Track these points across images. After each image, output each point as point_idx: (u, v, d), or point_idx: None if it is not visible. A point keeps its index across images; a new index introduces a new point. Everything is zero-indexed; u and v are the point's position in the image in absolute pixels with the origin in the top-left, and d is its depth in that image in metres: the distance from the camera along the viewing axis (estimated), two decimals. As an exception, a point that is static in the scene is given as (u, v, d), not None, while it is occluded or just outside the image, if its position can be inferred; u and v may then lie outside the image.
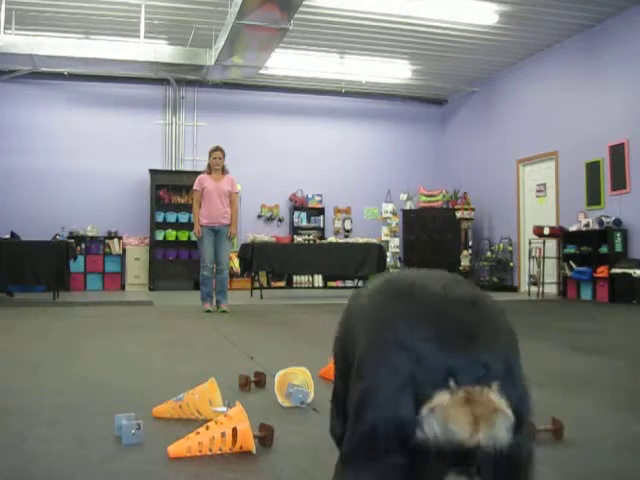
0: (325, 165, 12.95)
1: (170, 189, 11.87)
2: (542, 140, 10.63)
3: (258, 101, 12.72)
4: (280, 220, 12.85)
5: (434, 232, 12.21)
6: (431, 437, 0.93)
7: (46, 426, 2.15)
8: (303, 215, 12.92)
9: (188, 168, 12.01)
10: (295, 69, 11.43)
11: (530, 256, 10.27)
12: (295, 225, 12.81)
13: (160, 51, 9.77)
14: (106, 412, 2.23)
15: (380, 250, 9.63)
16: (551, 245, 10.18)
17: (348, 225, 13.19)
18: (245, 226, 12.00)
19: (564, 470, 1.76)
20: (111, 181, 11.74)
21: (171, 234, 11.73)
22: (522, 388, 1.01)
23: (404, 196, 12.05)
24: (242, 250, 9.22)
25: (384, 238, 10.67)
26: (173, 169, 12.21)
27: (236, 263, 10.03)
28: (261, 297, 9.21)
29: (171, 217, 11.81)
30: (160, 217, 11.73)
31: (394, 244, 10.65)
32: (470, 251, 11.80)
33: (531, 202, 11.15)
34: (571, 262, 9.41)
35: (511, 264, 11.36)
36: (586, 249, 9.12)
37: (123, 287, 11.62)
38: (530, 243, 10.30)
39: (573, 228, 9.51)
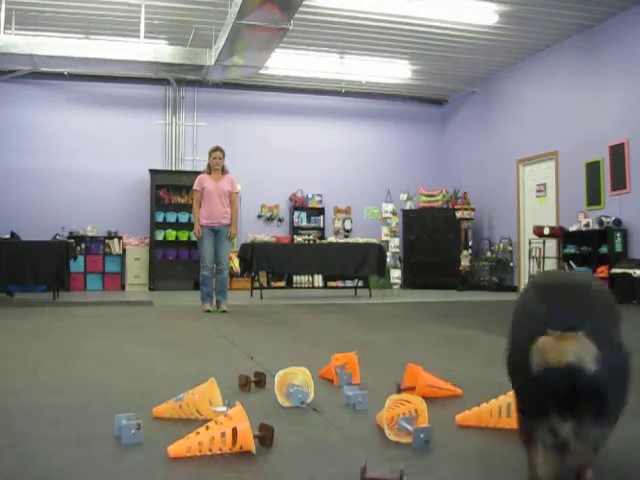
0: (325, 165, 12.96)
1: (170, 189, 11.87)
2: (542, 140, 10.63)
3: (258, 101, 12.72)
4: (280, 220, 12.85)
5: (434, 232, 12.21)
6: (535, 367, 1.39)
7: (46, 426, 2.15)
8: (303, 215, 12.92)
9: (188, 168, 12.02)
10: (295, 69, 11.43)
11: (530, 256, 10.27)
12: (295, 225, 12.81)
13: (160, 51, 9.77)
14: (106, 412, 2.22)
15: (380, 250, 9.63)
16: (551, 245, 10.18)
17: (348, 225, 13.20)
18: (245, 226, 12.00)
19: (567, 471, 1.76)
20: (111, 181, 11.74)
21: (171, 234, 11.74)
22: (608, 341, 1.41)
23: (404, 196, 12.05)
24: (242, 250, 9.22)
25: (384, 238, 10.66)
26: (173, 169, 12.21)
27: (236, 263, 10.03)
28: (261, 297, 9.21)
29: (171, 217, 11.81)
30: (160, 217, 11.73)
31: (394, 244, 10.64)
32: (470, 251, 11.80)
33: (531, 202, 11.16)
34: (571, 262, 9.40)
35: (511, 264, 11.36)
36: (586, 249, 9.12)
37: (123, 287, 11.62)
38: (530, 243, 10.30)
39: (573, 228, 9.51)
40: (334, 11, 9.16)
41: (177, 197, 11.91)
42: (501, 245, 11.57)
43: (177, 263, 11.64)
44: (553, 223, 10.11)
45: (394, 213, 10.80)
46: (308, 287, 12.45)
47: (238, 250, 9.68)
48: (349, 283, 12.22)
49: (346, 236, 12.69)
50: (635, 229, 8.70)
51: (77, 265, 10.57)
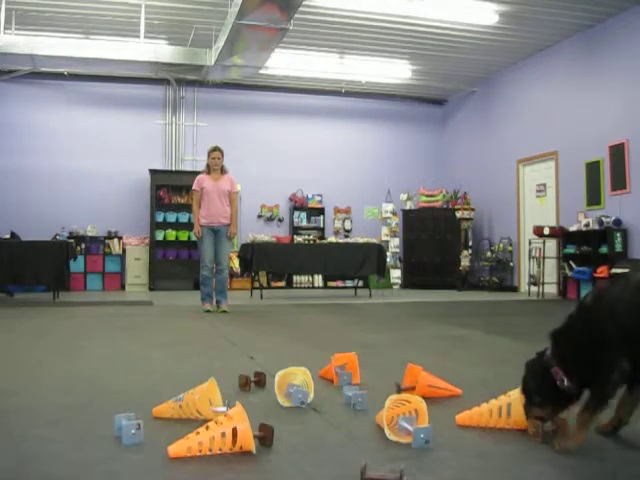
0: (325, 165, 12.96)
1: (170, 189, 11.86)
2: (542, 140, 10.62)
3: (258, 101, 12.72)
4: (280, 220, 12.85)
5: (434, 232, 12.21)
6: None
7: (46, 426, 2.15)
8: (303, 215, 12.92)
9: (188, 168, 12.01)
10: (295, 69, 11.43)
11: (530, 256, 10.26)
12: (295, 225, 12.81)
13: (160, 51, 9.76)
14: (106, 412, 2.23)
15: (380, 250, 9.63)
16: (551, 245, 10.18)
17: (348, 225, 13.19)
18: (245, 226, 12.00)
19: (567, 471, 1.76)
20: (111, 181, 11.74)
21: (171, 234, 11.73)
22: None
23: (404, 196, 12.05)
24: (242, 250, 9.22)
25: (384, 238, 10.65)
26: (173, 169, 12.21)
27: (236, 263, 10.03)
28: (261, 297, 9.21)
29: (171, 217, 11.81)
30: (160, 217, 11.73)
31: (394, 244, 10.63)
32: (470, 251, 11.79)
33: (531, 202, 11.15)
34: (571, 262, 9.40)
35: (511, 264, 11.36)
36: (586, 249, 9.11)
37: (123, 287, 11.62)
38: (530, 243, 10.30)
39: (573, 228, 9.51)
40: (334, 11, 9.16)
41: (177, 197, 11.90)
42: (501, 245, 11.56)
43: (177, 263, 11.64)
44: (553, 223, 10.11)
45: (394, 213, 10.79)
46: (308, 287, 12.45)
47: (238, 250, 9.68)
48: (349, 283, 12.22)
49: (346, 236, 12.69)
50: (635, 229, 8.69)
51: (77, 265, 10.57)
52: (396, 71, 11.83)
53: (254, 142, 12.49)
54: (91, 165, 11.66)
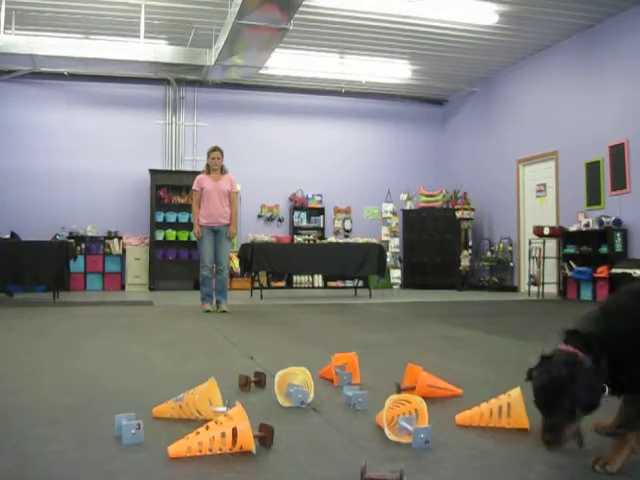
0: (325, 165, 12.96)
1: (170, 189, 11.87)
2: (542, 140, 10.63)
3: (258, 101, 12.72)
4: (280, 220, 12.85)
5: (434, 232, 12.21)
6: None
7: (46, 426, 2.15)
8: (303, 215, 12.92)
9: (188, 168, 12.02)
10: (295, 69, 11.43)
11: (530, 256, 10.27)
12: (295, 225, 12.81)
13: (160, 51, 9.76)
14: (106, 412, 2.23)
15: (380, 250, 9.63)
16: (551, 245, 10.18)
17: (348, 225, 13.20)
18: (245, 226, 12.00)
19: (568, 471, 1.76)
20: (111, 181, 11.74)
21: (171, 234, 11.74)
22: None
23: (404, 196, 12.05)
24: (242, 250, 9.22)
25: (384, 238, 10.66)
26: (173, 169, 12.21)
27: (236, 263, 10.02)
28: (261, 297, 9.21)
29: (171, 217, 11.81)
30: (160, 217, 11.73)
31: (394, 244, 10.63)
32: (470, 251, 11.79)
33: (531, 202, 11.15)
34: (571, 262, 9.40)
35: (511, 264, 11.36)
36: (586, 249, 9.11)
37: (123, 287, 11.62)
38: (530, 243, 10.30)
39: (573, 228, 9.51)
40: (334, 11, 9.16)
41: (177, 197, 11.91)
42: (501, 245, 11.56)
43: (177, 263, 11.64)
44: (553, 223, 10.11)
45: (394, 213, 10.79)
46: (308, 287, 12.45)
47: (238, 250, 9.67)
48: (349, 283, 12.22)
49: (346, 236, 12.70)
50: (635, 229, 8.69)
51: (77, 265, 10.57)
52: (396, 71, 11.83)
53: (254, 142, 12.49)
54: (91, 165, 11.66)
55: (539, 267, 10.18)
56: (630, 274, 8.19)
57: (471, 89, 12.70)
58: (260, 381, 2.78)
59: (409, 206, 12.33)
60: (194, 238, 7.46)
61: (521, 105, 11.30)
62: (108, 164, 11.73)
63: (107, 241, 11.66)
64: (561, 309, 8.15)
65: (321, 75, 11.96)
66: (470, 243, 11.90)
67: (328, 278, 12.46)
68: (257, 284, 9.90)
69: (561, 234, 9.70)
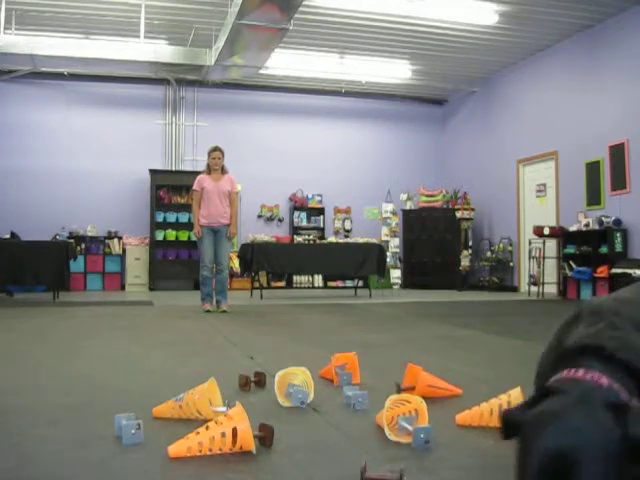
0: (325, 165, 12.95)
1: (170, 189, 11.86)
2: (542, 140, 10.62)
3: (258, 101, 12.72)
4: (280, 220, 12.84)
5: (434, 232, 12.20)
6: None
7: (46, 426, 2.15)
8: (303, 215, 12.91)
9: (188, 168, 12.01)
10: (295, 69, 11.43)
11: (530, 256, 10.26)
12: (295, 225, 12.81)
13: (160, 51, 9.76)
14: (106, 412, 2.23)
15: (380, 250, 9.63)
16: (551, 245, 10.17)
17: (348, 225, 13.19)
18: (245, 226, 12.00)
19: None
20: (111, 181, 11.74)
21: (171, 234, 11.73)
22: None
23: (404, 196, 12.05)
24: (242, 250, 9.22)
25: (384, 238, 10.66)
26: (173, 169, 12.21)
27: (236, 263, 10.02)
28: (261, 297, 9.21)
29: (171, 217, 11.81)
30: (160, 217, 11.73)
31: (394, 244, 10.64)
32: (470, 251, 11.79)
33: (531, 202, 11.15)
34: (571, 262, 9.40)
35: (511, 264, 11.36)
36: (586, 249, 9.11)
37: (123, 287, 11.62)
38: (530, 243, 10.30)
39: (573, 228, 9.51)
40: (334, 11, 9.15)
41: (177, 197, 11.90)
42: (501, 245, 11.56)
43: (177, 263, 11.63)
44: (553, 223, 10.11)
45: (394, 213, 10.79)
46: (308, 287, 12.45)
47: (238, 250, 9.67)
48: (349, 283, 12.22)
49: (346, 236, 12.69)
50: (635, 229, 8.69)
51: (77, 265, 10.56)
52: (396, 71, 11.82)
53: (254, 142, 12.49)
54: (91, 165, 11.66)
55: (539, 267, 10.18)
56: (630, 274, 8.19)
57: (471, 89, 12.69)
58: (260, 381, 2.78)
59: (409, 206, 12.33)
60: (194, 238, 7.46)
61: (521, 105, 11.30)
62: (108, 164, 11.73)
63: (107, 241, 11.66)
64: (561, 309, 8.16)
65: (321, 75, 11.96)
66: (470, 243, 11.90)
67: (328, 278, 12.46)
68: (257, 284, 9.89)
69: (561, 234, 9.69)
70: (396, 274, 10.67)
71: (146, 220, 11.64)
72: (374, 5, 8.86)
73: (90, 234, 11.58)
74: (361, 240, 10.41)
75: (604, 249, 8.78)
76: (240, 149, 11.61)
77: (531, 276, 10.29)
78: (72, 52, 9.37)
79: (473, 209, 11.96)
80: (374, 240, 10.40)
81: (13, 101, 11.45)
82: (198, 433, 1.86)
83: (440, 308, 8.00)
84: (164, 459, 1.80)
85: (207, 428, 1.87)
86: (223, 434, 1.85)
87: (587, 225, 9.17)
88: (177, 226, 11.82)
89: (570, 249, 9.47)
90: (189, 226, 11.14)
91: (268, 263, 9.14)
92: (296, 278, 12.42)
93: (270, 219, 12.78)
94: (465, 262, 11.67)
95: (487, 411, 2.16)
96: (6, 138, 11.33)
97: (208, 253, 7.00)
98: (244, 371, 2.85)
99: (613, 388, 0.97)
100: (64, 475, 1.68)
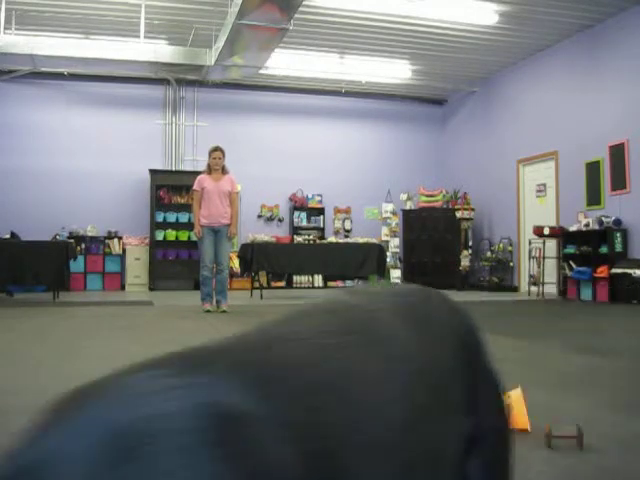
0: (325, 165, 12.95)
1: (170, 189, 11.86)
2: (542, 140, 10.62)
3: (258, 101, 12.71)
4: (280, 220, 12.84)
5: (434, 232, 12.20)
6: None
7: (46, 426, 2.15)
8: (303, 215, 12.91)
9: (188, 168, 12.01)
10: (295, 69, 11.43)
11: (530, 256, 10.26)
12: (295, 225, 12.81)
13: (160, 51, 9.77)
14: (106, 412, 2.22)
15: (380, 250, 9.62)
16: (551, 245, 10.18)
17: (348, 225, 13.19)
18: (245, 226, 12.00)
19: (567, 471, 1.76)
20: (111, 181, 11.74)
21: (171, 234, 11.73)
22: None
23: (404, 196, 12.05)
24: (242, 250, 9.22)
25: (384, 238, 10.67)
26: (173, 169, 12.21)
27: (236, 263, 10.02)
28: (261, 297, 9.21)
29: (171, 217, 11.81)
30: (160, 217, 11.73)
31: (394, 244, 10.65)
32: (470, 251, 11.79)
33: (531, 202, 11.15)
34: (571, 262, 9.40)
35: (511, 264, 11.36)
36: (586, 249, 9.11)
37: (123, 287, 11.62)
38: (530, 243, 10.30)
39: (573, 228, 9.51)
40: (334, 11, 9.16)
41: (177, 197, 11.90)
42: (501, 245, 11.56)
43: (177, 263, 11.63)
44: (553, 223, 10.11)
45: (394, 213, 10.81)
46: (308, 287, 12.44)
47: (238, 250, 9.67)
48: (349, 283, 12.21)
49: (346, 236, 12.69)
50: (635, 229, 8.69)
51: (77, 265, 10.55)
52: (396, 71, 11.82)
53: (254, 142, 12.49)
54: (91, 165, 11.65)
55: (539, 267, 10.18)
56: (630, 274, 8.20)
57: (471, 89, 12.69)
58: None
59: (409, 206, 12.33)
60: (194, 238, 7.46)
61: (521, 105, 11.30)
62: (108, 164, 11.72)
63: (107, 241, 11.66)
64: (561, 309, 8.16)
65: (321, 75, 11.96)
66: (470, 243, 11.90)
67: (328, 278, 12.45)
68: (257, 284, 9.89)
69: (561, 234, 9.70)
70: (396, 274, 10.68)
71: (146, 220, 11.64)
72: (374, 5, 8.86)
73: (90, 234, 11.58)
74: (361, 240, 10.42)
75: (604, 249, 8.78)
76: (240, 149, 11.61)
77: (531, 276, 10.29)
78: (72, 52, 9.37)
79: (473, 209, 11.96)
80: (374, 240, 10.40)
81: (13, 101, 11.45)
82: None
83: (440, 308, 7.98)
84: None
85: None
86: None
87: (587, 225, 9.17)
88: (177, 226, 11.82)
89: (570, 249, 9.47)
90: (189, 226, 11.14)
91: (268, 263, 9.14)
92: (296, 278, 12.42)
93: (270, 219, 12.78)
94: (465, 262, 11.67)
95: (487, 411, 2.15)
96: (6, 138, 11.33)
97: (208, 253, 7.00)
98: (244, 371, 2.85)
99: None
100: (64, 475, 1.68)
